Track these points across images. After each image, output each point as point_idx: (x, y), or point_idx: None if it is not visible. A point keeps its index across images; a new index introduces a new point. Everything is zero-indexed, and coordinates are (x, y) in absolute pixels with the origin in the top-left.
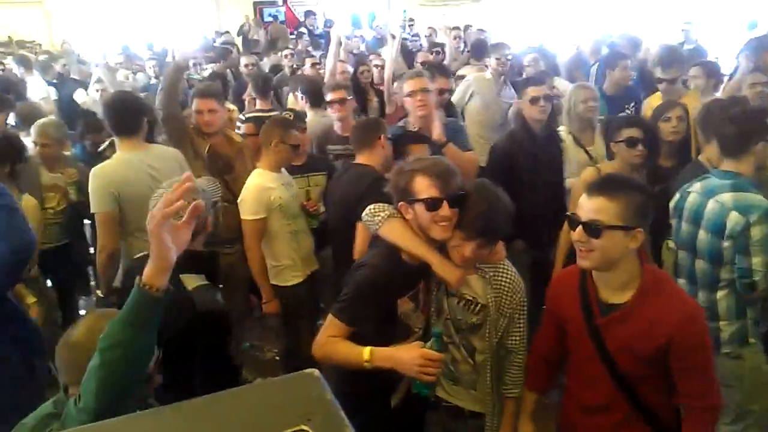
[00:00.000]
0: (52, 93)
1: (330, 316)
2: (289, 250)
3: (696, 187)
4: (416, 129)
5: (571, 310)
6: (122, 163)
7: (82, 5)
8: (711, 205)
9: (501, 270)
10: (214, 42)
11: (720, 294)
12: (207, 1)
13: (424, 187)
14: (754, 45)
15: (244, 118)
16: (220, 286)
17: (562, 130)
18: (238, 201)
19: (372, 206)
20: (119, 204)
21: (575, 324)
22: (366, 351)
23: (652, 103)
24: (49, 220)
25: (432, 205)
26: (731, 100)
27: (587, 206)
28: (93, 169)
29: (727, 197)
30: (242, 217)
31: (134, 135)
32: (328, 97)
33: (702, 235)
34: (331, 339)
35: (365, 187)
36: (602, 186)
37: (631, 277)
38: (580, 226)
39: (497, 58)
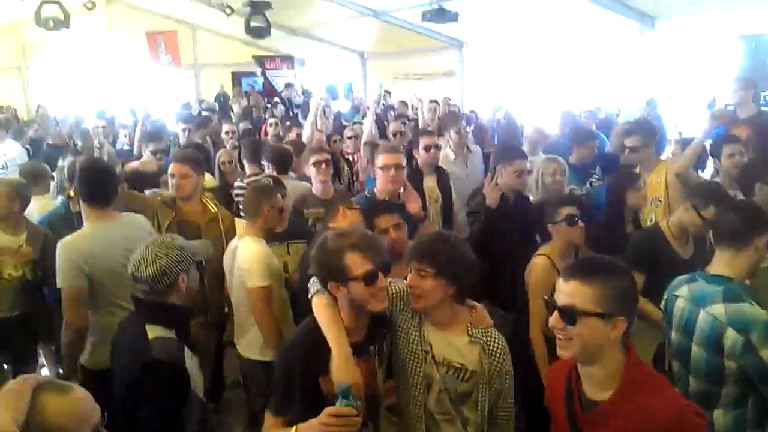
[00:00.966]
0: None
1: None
2: (282, 320)
3: (683, 291)
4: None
5: (559, 404)
6: (93, 235)
7: (62, 72)
8: (703, 316)
9: (492, 336)
10: (200, 112)
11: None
12: (186, 70)
13: (357, 263)
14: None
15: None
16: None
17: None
18: (244, 270)
19: (314, 277)
20: (89, 278)
21: (561, 420)
22: (291, 430)
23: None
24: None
25: (370, 279)
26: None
27: (563, 290)
28: (60, 242)
29: (719, 309)
30: (250, 285)
31: (106, 206)
32: (313, 159)
33: (696, 351)
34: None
35: None
36: (578, 269)
37: (614, 371)
38: (556, 312)
39: (456, 132)
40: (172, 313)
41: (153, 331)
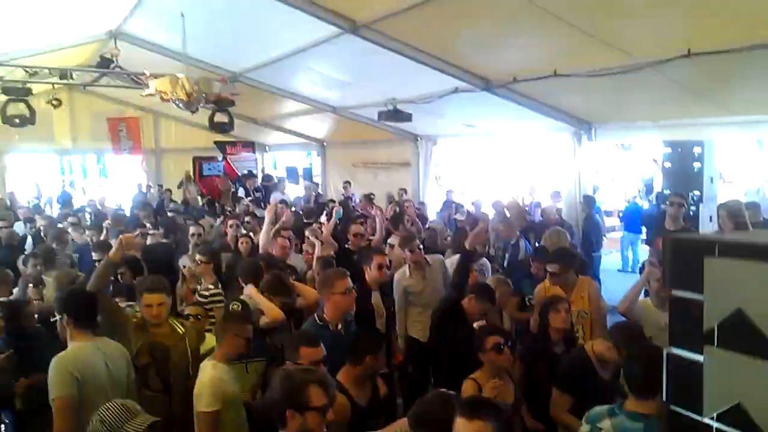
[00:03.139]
0: None
1: None
2: None
3: (606, 425)
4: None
5: None
6: (82, 349)
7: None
8: None
9: None
10: (162, 199)
11: None
12: (147, 156)
13: (318, 397)
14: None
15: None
16: None
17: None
18: (195, 394)
19: None
20: (79, 388)
21: None
22: None
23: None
24: None
25: (323, 413)
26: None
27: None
28: (54, 359)
29: None
30: (197, 409)
31: (90, 329)
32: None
33: None
34: None
35: None
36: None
37: None
38: None
39: (410, 251)
40: None
41: None
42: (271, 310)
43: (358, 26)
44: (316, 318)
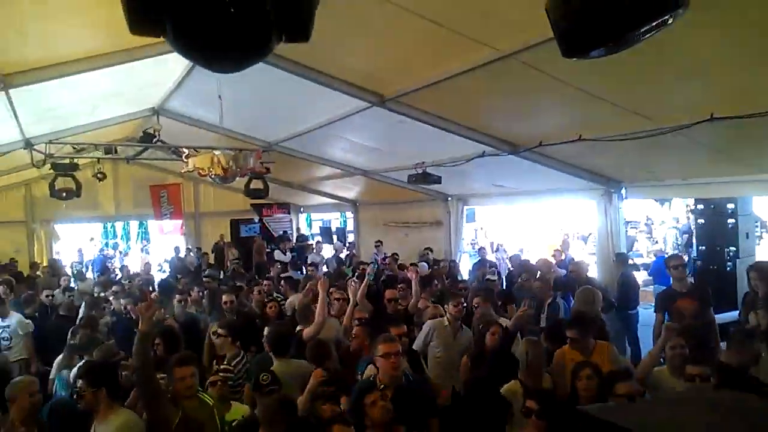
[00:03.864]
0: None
1: None
2: None
3: None
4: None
5: None
6: (133, 420)
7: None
8: None
9: None
10: (198, 261)
11: None
12: (187, 218)
13: None
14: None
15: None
16: None
17: (513, 382)
18: None
19: None
20: None
21: None
22: None
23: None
24: None
25: None
26: None
27: None
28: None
29: None
30: None
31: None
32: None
33: None
34: None
35: None
36: None
37: None
38: None
39: (454, 305)
40: None
41: None
42: None
43: (386, 100)
44: (370, 378)
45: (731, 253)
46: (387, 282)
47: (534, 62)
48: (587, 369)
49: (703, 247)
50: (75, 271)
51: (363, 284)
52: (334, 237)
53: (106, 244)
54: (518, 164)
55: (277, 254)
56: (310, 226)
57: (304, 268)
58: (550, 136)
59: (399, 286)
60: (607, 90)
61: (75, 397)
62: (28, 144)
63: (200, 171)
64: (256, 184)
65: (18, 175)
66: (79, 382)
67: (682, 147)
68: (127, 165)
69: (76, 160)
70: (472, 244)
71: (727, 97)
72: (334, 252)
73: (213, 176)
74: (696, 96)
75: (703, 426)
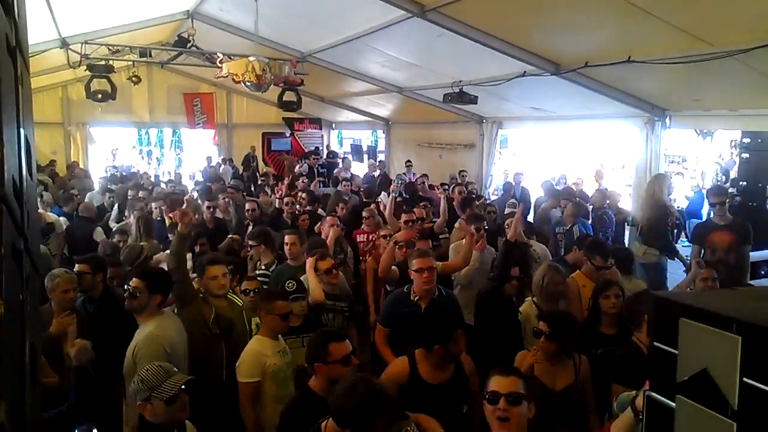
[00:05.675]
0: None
1: None
2: (275, 418)
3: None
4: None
5: None
6: (172, 324)
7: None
8: None
9: None
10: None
11: None
12: (220, 129)
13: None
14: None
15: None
16: None
17: (527, 301)
18: (237, 365)
19: None
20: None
21: None
22: None
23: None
24: None
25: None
26: None
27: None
28: (144, 335)
29: None
30: (238, 379)
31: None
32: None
33: None
34: None
35: None
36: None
37: None
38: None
39: (476, 229)
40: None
41: None
42: (313, 291)
43: (426, 10)
44: (404, 289)
45: None
46: (404, 203)
47: None
48: (615, 287)
49: (744, 183)
50: (109, 176)
51: (390, 200)
52: (365, 156)
53: (140, 152)
54: (559, 86)
55: (305, 168)
56: (340, 143)
57: (330, 184)
58: (596, 56)
59: (422, 204)
60: (659, 5)
61: (126, 295)
62: (64, 43)
63: (234, 77)
64: (288, 96)
65: (56, 75)
66: (136, 282)
67: (736, 74)
68: (161, 71)
69: (111, 62)
70: (505, 173)
71: None
72: (368, 170)
73: (247, 83)
74: (755, 17)
75: None
